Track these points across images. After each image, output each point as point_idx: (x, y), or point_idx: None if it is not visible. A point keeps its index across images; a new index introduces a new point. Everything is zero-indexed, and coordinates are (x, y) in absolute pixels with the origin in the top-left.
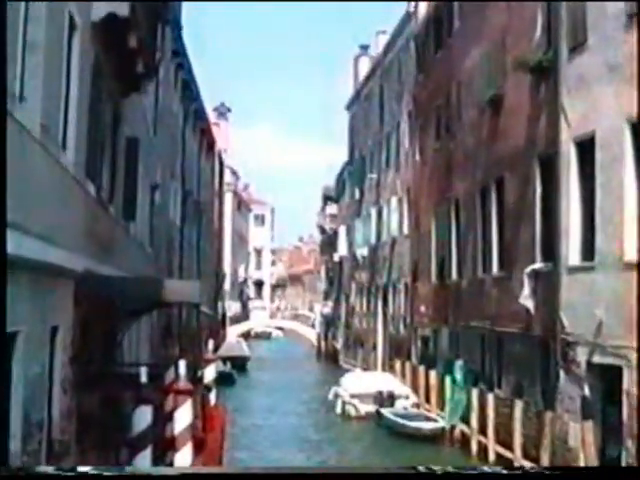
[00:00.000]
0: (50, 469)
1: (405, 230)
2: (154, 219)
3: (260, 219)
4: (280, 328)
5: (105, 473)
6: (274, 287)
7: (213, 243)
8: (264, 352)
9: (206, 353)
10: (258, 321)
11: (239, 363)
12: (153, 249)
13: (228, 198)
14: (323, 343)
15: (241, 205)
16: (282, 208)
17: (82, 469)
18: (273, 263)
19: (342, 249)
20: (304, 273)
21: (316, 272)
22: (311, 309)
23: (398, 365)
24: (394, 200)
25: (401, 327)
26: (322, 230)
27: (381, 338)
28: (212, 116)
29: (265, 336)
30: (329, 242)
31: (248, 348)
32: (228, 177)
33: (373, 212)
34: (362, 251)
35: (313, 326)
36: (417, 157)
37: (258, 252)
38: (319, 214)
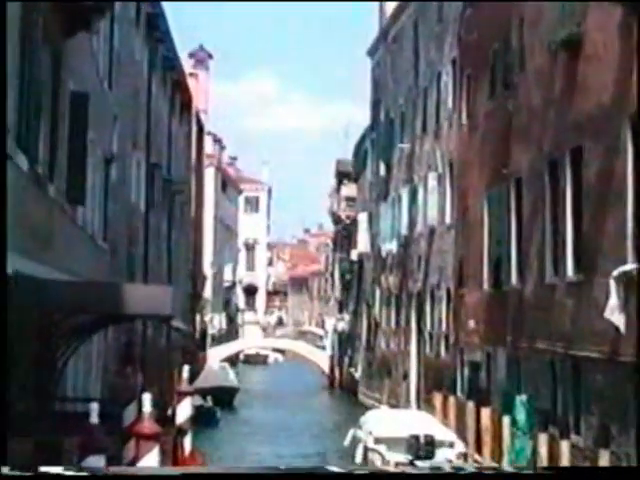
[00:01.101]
0: (53, 469)
1: (447, 218)
2: (109, 203)
3: (253, 203)
4: (279, 350)
5: (107, 473)
6: (271, 294)
7: (189, 235)
8: (257, 382)
9: (179, 384)
10: (250, 340)
11: (224, 397)
12: (108, 243)
13: (210, 175)
14: (337, 370)
15: (227, 184)
16: (282, 188)
17: (84, 470)
18: (270, 262)
19: (362, 244)
20: (311, 276)
21: (328, 275)
22: (321, 324)
23: (438, 400)
24: (432, 178)
25: (442, 349)
26: (336, 218)
27: (415, 364)
28: (188, 64)
29: (259, 360)
30: (345, 234)
31: (236, 377)
32: (209, 147)
33: (404, 194)
34: (389, 247)
35: (324, 347)
36: (464, 120)
37: (250, 248)
38: (331, 196)
